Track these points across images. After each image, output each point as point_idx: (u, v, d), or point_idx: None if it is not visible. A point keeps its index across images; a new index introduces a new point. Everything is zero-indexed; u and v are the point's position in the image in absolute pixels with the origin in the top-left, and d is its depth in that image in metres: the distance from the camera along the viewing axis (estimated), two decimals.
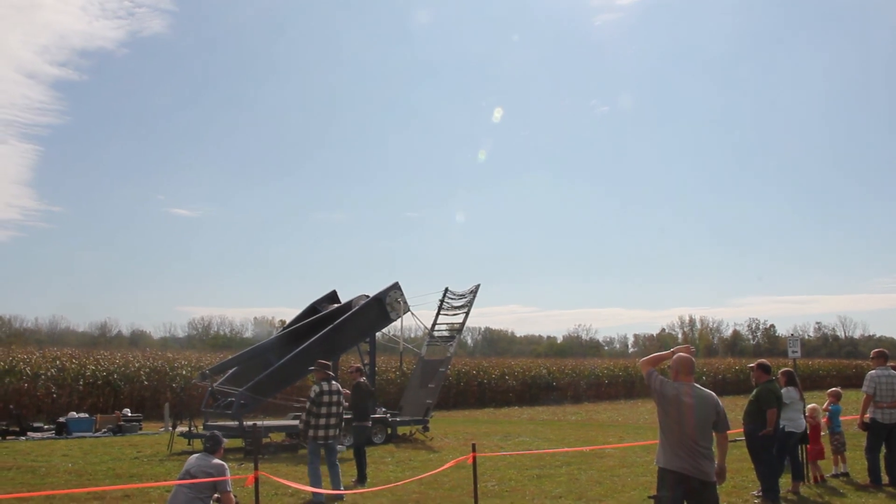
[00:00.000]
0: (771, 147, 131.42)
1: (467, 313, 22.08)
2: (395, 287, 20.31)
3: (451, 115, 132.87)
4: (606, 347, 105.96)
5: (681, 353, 6.56)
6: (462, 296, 22.47)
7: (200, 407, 18.79)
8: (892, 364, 12.03)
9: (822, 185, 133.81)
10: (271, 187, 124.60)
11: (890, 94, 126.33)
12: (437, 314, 22.59)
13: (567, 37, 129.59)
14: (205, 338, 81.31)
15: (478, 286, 22.40)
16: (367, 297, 20.13)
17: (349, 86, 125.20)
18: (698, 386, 6.48)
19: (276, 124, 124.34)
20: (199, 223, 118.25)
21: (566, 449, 16.83)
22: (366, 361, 20.70)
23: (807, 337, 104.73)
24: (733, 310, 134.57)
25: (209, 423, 17.58)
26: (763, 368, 10.88)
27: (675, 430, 6.32)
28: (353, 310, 19.63)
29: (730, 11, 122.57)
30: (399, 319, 20.82)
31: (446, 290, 22.85)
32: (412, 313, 21.05)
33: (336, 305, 20.62)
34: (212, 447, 7.93)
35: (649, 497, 6.60)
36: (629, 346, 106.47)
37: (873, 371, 11.64)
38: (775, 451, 10.70)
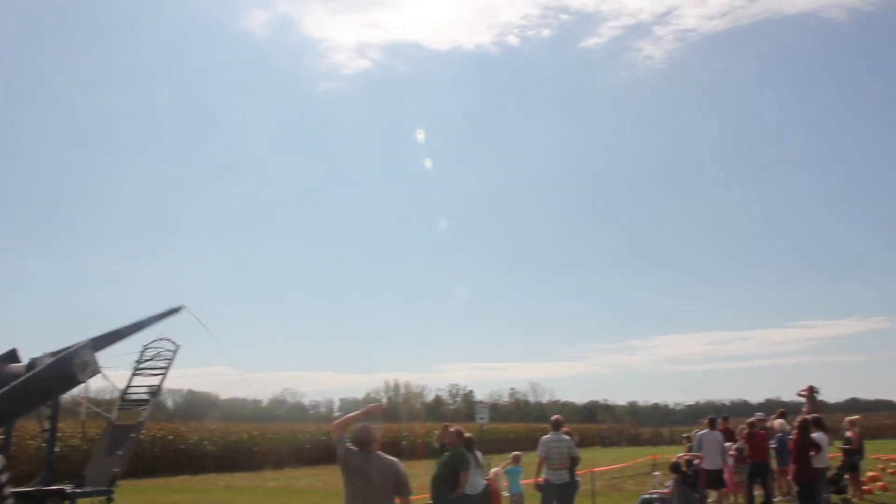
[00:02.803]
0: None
1: (164, 375, 20.96)
2: (86, 346, 18.83)
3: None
4: (312, 411, 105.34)
5: (363, 424, 6.75)
6: (160, 356, 21.31)
7: None
8: (564, 430, 13.22)
9: (517, 251, 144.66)
10: None
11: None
12: (133, 375, 21.21)
13: (293, 100, 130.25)
14: None
15: (178, 347, 21.39)
16: (53, 355, 18.45)
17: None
18: (381, 454, 6.68)
19: None
20: None
21: None
22: (45, 427, 18.87)
23: (502, 401, 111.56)
24: (436, 375, 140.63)
25: None
26: (457, 434, 11.64)
27: (356, 499, 6.47)
28: (31, 373, 17.84)
29: (461, 86, 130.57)
30: (87, 380, 19.27)
31: (144, 348, 21.56)
32: (103, 374, 19.59)
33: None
34: None
35: None
36: (335, 410, 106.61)
37: (546, 436, 12.73)
38: None
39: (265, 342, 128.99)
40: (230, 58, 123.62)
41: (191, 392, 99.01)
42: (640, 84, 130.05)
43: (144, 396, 21.25)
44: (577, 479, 13.55)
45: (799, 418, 14.53)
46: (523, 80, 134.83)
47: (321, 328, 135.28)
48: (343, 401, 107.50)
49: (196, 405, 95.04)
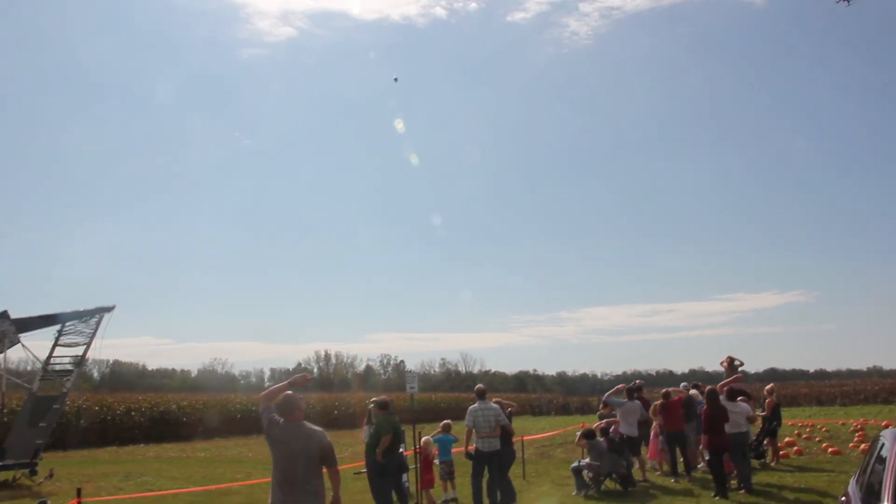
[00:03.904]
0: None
1: (89, 344, 20.46)
2: (3, 316, 18.31)
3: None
4: (242, 381, 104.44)
5: (286, 393, 6.71)
6: (85, 325, 20.79)
7: None
8: (496, 399, 13.37)
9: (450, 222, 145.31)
10: None
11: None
12: (55, 345, 20.64)
13: (215, 68, 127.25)
14: None
15: (102, 315, 20.87)
16: None
17: None
18: (307, 424, 6.65)
19: None
20: None
21: (191, 488, 16.26)
22: None
23: (433, 372, 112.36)
24: (367, 345, 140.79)
25: None
26: (379, 405, 11.71)
27: (282, 469, 6.46)
28: None
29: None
30: (5, 351, 18.78)
31: (65, 320, 21.00)
32: (23, 344, 19.10)
33: None
34: None
35: None
36: (265, 380, 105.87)
37: (473, 405, 12.80)
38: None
39: (194, 312, 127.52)
40: (151, 20, 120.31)
41: (117, 363, 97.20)
42: (566, 59, 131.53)
43: (68, 367, 20.75)
44: (513, 449, 13.75)
45: (708, 388, 14.89)
46: (450, 52, 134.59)
47: (251, 298, 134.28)
48: (273, 371, 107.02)
49: (122, 376, 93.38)
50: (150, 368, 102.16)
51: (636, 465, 15.79)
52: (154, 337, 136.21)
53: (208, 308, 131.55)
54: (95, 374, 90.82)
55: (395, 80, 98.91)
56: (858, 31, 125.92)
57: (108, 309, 20.64)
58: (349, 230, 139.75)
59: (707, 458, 14.78)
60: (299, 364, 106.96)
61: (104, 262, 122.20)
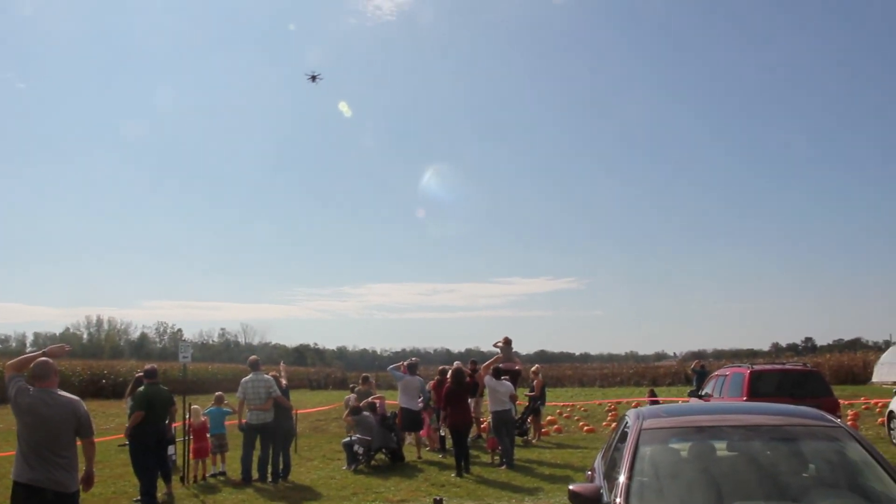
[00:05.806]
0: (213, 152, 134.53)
1: None
2: None
3: None
4: (1, 346, 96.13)
5: (39, 359, 6.39)
6: None
7: None
8: (272, 373, 13.39)
9: (264, 195, 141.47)
10: None
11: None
12: None
13: None
14: None
15: None
16: None
17: None
18: (60, 392, 6.37)
19: None
20: None
21: None
22: None
23: (211, 342, 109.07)
24: (143, 312, 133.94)
25: None
26: (146, 374, 11.50)
27: (30, 440, 6.12)
28: None
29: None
30: None
31: None
32: None
33: None
34: None
35: None
36: (27, 346, 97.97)
37: (245, 377, 12.78)
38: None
39: None
40: None
41: None
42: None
43: None
44: (291, 424, 13.78)
45: (454, 367, 14.98)
46: (248, 16, 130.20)
47: (14, 255, 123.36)
48: (38, 335, 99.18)
49: None
50: None
51: (414, 442, 16.25)
52: None
53: None
54: None
55: None
56: None
57: None
58: (130, 191, 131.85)
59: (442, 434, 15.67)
60: (67, 329, 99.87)
61: None
